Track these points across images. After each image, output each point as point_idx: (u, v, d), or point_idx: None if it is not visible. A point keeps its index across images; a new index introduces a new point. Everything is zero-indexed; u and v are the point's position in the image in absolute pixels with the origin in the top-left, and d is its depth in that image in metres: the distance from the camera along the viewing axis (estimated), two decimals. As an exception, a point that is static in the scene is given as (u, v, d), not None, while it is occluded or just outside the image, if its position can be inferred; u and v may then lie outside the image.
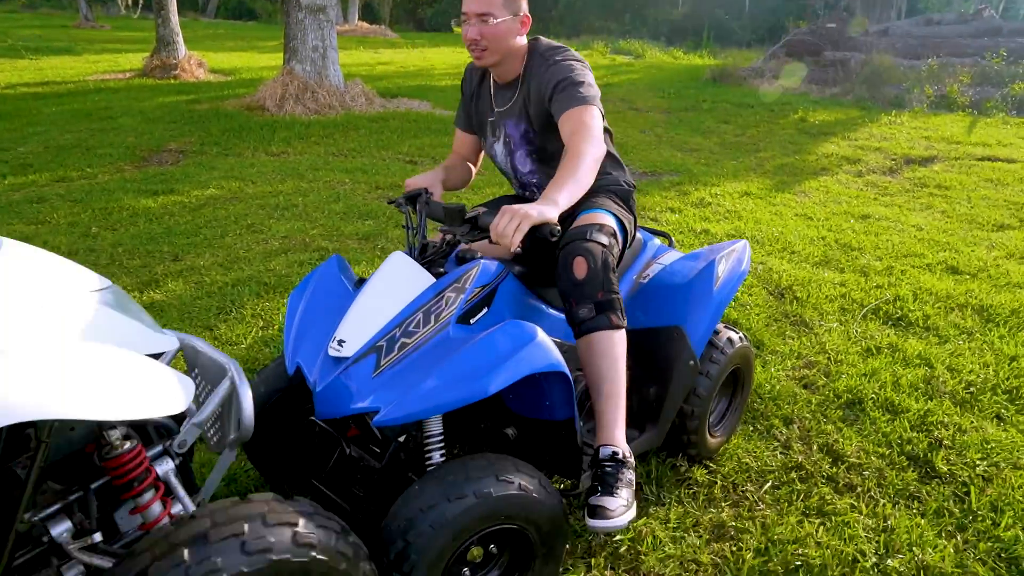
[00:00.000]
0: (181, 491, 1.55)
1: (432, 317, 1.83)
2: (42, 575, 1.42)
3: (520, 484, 1.69)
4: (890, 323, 3.79)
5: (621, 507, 1.90)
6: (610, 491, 1.92)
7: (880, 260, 4.67)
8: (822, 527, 2.28)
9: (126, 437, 1.45)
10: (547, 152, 2.32)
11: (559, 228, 1.83)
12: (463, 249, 2.01)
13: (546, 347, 1.76)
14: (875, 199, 6.30)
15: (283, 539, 1.26)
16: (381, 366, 1.76)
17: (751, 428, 2.81)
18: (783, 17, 28.17)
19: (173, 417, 1.58)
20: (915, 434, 2.78)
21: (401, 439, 1.95)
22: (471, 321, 1.87)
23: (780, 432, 2.78)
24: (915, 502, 2.43)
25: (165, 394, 1.32)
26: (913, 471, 2.58)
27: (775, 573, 2.09)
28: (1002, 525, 2.31)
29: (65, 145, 7.20)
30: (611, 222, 2.17)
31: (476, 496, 1.62)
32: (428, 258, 2.02)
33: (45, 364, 1.20)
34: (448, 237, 2.06)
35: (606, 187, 2.36)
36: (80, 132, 7.84)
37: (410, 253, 2.04)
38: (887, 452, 2.68)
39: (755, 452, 2.65)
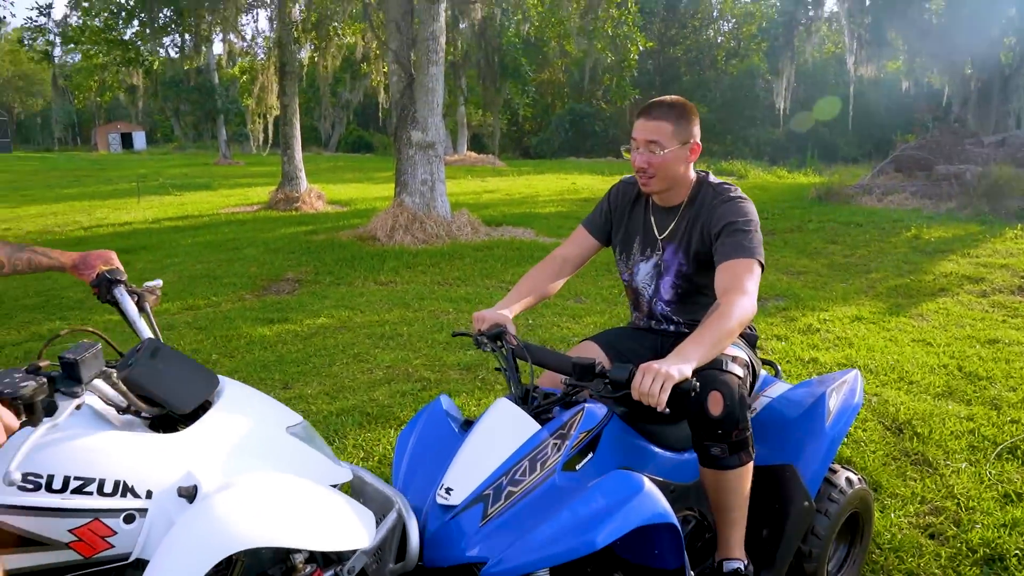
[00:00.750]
0: None
1: (538, 465, 1.83)
2: None
3: None
4: (1028, 465, 3.46)
5: None
6: None
7: (1014, 391, 4.32)
8: None
9: (307, 561, 1.59)
10: (692, 288, 2.31)
11: (698, 384, 1.79)
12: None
13: (654, 498, 1.73)
14: (1003, 321, 5.91)
15: None
16: (488, 515, 1.77)
17: (870, 585, 2.58)
18: (890, 132, 27.81)
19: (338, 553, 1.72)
20: (1066, 600, 2.48)
21: None
22: (577, 467, 1.85)
23: (904, 592, 2.54)
24: None
25: (356, 529, 1.59)
26: (1066, 646, 2.28)
27: None
28: None
29: (196, 275, 7.81)
30: (743, 355, 2.15)
31: None
32: (537, 407, 1.99)
33: (261, 498, 1.43)
34: (565, 390, 2.01)
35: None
36: (210, 262, 8.50)
37: (512, 397, 2.04)
38: (1033, 621, 2.39)
39: (876, 615, 2.42)
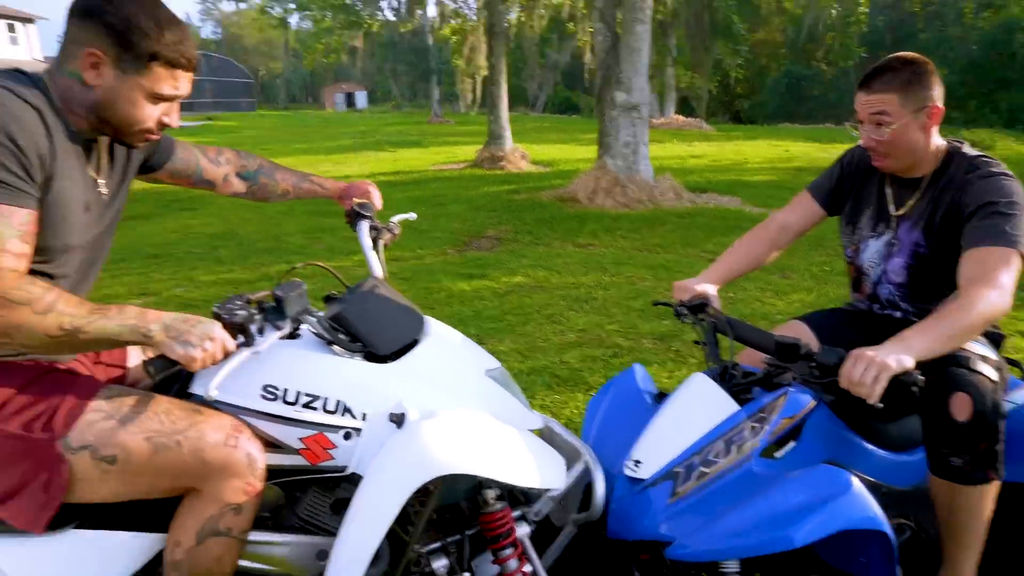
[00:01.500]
0: (534, 554, 1.75)
1: (733, 448, 1.72)
2: None
3: None
4: None
5: None
6: None
7: None
8: None
9: (498, 498, 1.66)
10: (928, 273, 2.03)
11: (923, 379, 1.55)
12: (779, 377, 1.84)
13: (863, 500, 1.56)
14: None
15: None
16: (678, 493, 1.71)
17: None
18: None
19: (526, 495, 1.79)
20: None
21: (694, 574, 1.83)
22: (776, 455, 1.72)
23: None
24: None
25: (550, 471, 1.63)
26: None
27: None
28: None
29: (404, 228, 8.21)
30: (994, 356, 1.87)
31: None
32: (735, 385, 1.86)
33: (464, 429, 1.52)
34: (768, 370, 1.85)
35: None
36: (417, 217, 8.91)
37: (710, 373, 1.91)
38: None
39: None
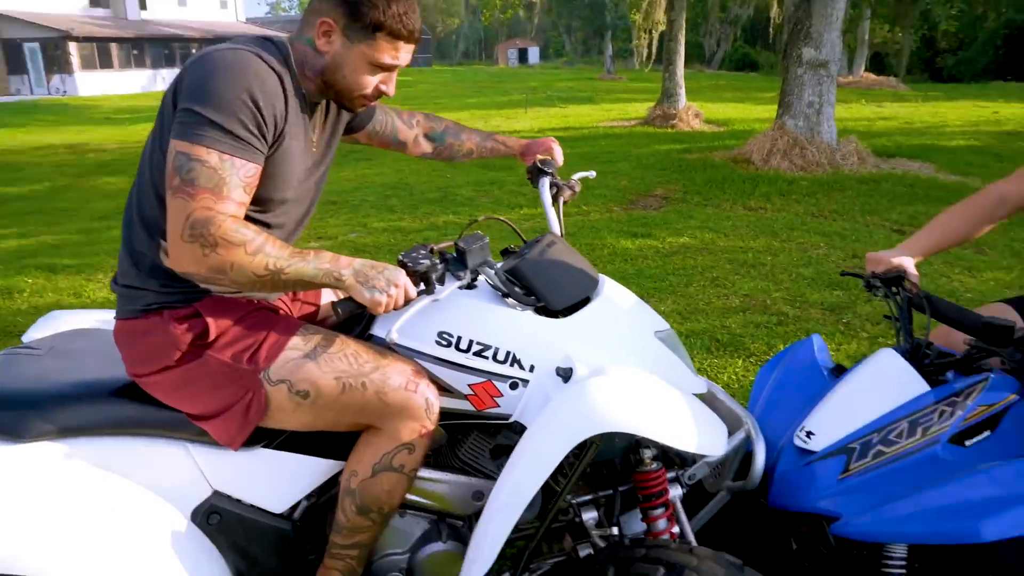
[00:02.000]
0: (683, 516, 1.76)
1: (919, 429, 1.65)
2: (562, 546, 1.85)
3: None
4: None
5: None
6: None
7: None
8: None
9: (654, 459, 1.69)
10: None
11: None
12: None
13: None
14: None
15: None
16: (851, 470, 1.66)
17: None
18: None
19: (682, 457, 1.82)
20: None
21: (856, 553, 1.79)
22: (967, 443, 1.63)
23: None
24: None
25: (710, 436, 1.59)
26: None
27: None
28: None
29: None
30: None
31: None
32: (928, 365, 1.78)
33: (629, 388, 1.52)
34: (971, 351, 1.74)
35: None
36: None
37: (900, 350, 1.84)
38: None
39: None
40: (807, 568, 1.85)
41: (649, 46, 22.31)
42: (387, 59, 1.55)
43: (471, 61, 66.28)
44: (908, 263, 1.95)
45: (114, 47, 31.85)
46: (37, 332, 1.87)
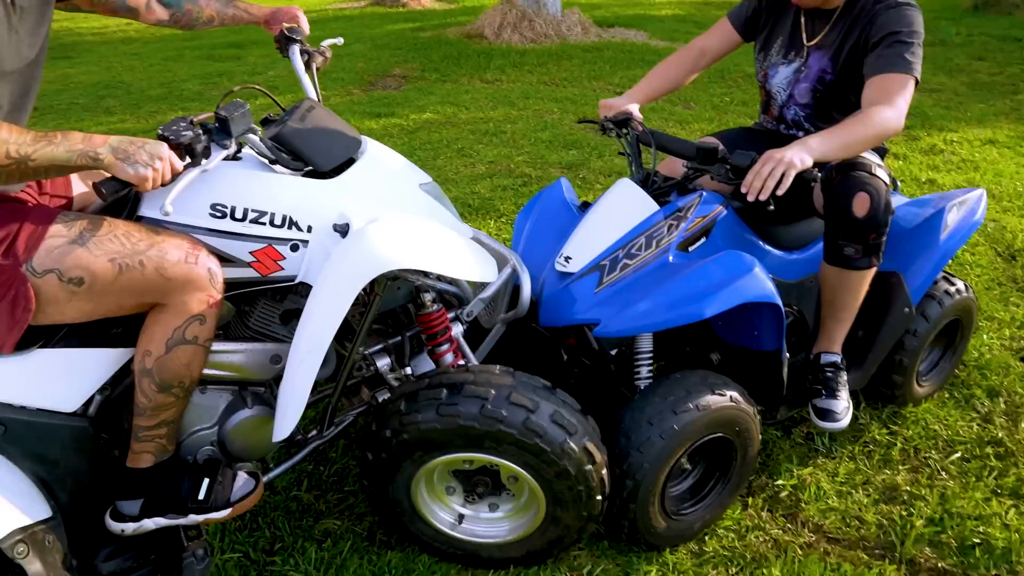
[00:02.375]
0: (467, 349, 1.94)
1: (654, 242, 1.97)
2: (362, 399, 2.02)
3: (731, 397, 1.86)
4: None
5: (844, 409, 2.16)
6: (833, 394, 2.16)
7: None
8: (1014, 509, 2.12)
9: (434, 301, 1.83)
10: (832, 97, 2.22)
11: (818, 173, 1.79)
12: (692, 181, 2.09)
13: (761, 279, 1.84)
14: None
15: (515, 417, 1.63)
16: (603, 283, 1.95)
17: (947, 395, 2.63)
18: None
19: (459, 298, 1.95)
20: None
21: (614, 352, 2.14)
22: (689, 249, 1.98)
23: (982, 403, 2.58)
24: None
25: (484, 265, 1.79)
26: None
27: (947, 546, 2.00)
28: None
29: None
30: (885, 169, 2.12)
31: (698, 409, 1.80)
32: (656, 189, 2.10)
33: (404, 231, 1.64)
34: (687, 173, 2.07)
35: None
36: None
37: (634, 179, 2.13)
38: (1111, 440, 2.40)
39: (947, 420, 2.49)
40: (576, 375, 2.14)
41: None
42: None
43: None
44: (633, 107, 2.25)
45: None
46: None
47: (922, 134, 5.68)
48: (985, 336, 2.97)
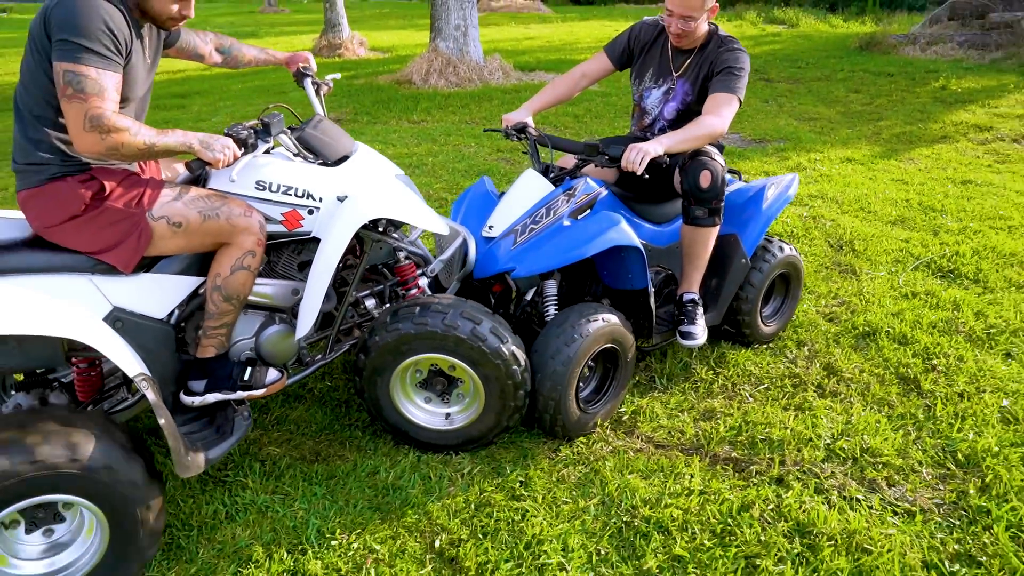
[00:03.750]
0: (431, 294, 2.75)
1: (552, 212, 2.74)
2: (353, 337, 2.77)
3: (612, 319, 2.60)
4: (939, 275, 4.10)
5: (701, 330, 2.93)
6: (692, 321, 2.94)
7: (959, 221, 4.88)
8: (794, 417, 2.81)
9: (407, 258, 2.68)
10: (689, 113, 3.00)
11: (667, 159, 2.61)
12: (583, 171, 2.88)
13: (627, 230, 2.63)
14: (988, 166, 6.32)
15: (465, 327, 2.38)
16: (517, 242, 2.72)
17: (765, 347, 3.33)
18: (961, -23, 26.03)
19: (424, 259, 2.77)
20: (914, 359, 3.20)
21: (528, 296, 2.93)
22: (579, 218, 2.74)
23: (790, 351, 3.30)
24: (886, 407, 2.89)
25: (439, 222, 2.59)
26: (898, 386, 3.03)
27: (740, 443, 2.67)
28: (955, 427, 2.74)
29: (247, 116, 8.51)
30: (722, 158, 2.95)
31: (589, 326, 2.54)
32: (554, 178, 2.87)
33: (385, 193, 2.41)
34: (577, 163, 2.86)
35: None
36: (258, 104, 9.19)
37: (536, 170, 2.90)
38: (881, 372, 3.13)
39: (760, 363, 3.20)
40: (502, 314, 2.91)
41: (307, -25, 22.05)
42: None
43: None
44: (528, 118, 3.02)
45: None
46: None
47: (792, 155, 6.56)
48: (805, 305, 3.70)
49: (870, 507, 2.36)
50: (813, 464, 2.55)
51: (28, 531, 1.94)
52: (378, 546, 2.19)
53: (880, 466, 2.55)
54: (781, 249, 3.28)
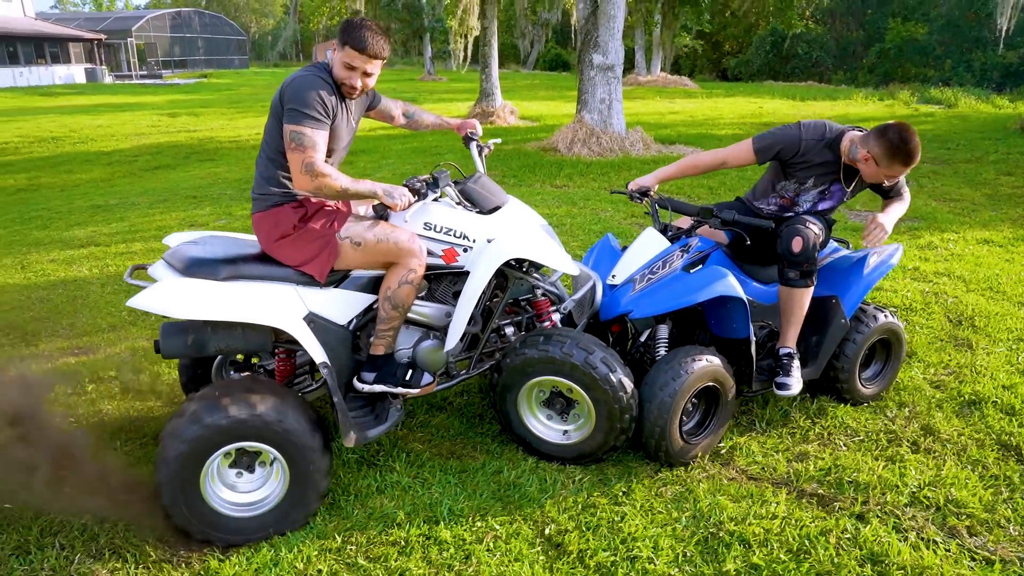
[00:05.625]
0: (560, 327, 3.17)
1: (667, 265, 3.20)
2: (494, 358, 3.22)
3: (715, 360, 2.99)
4: (1062, 355, 4.11)
5: (795, 382, 3.22)
6: (787, 373, 3.23)
7: (1096, 307, 4.81)
8: (884, 466, 3.02)
9: (543, 295, 3.17)
10: (833, 209, 3.41)
11: (773, 225, 3.11)
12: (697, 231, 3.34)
13: (732, 283, 3.02)
14: None
15: (579, 355, 2.82)
16: (636, 289, 3.18)
17: (865, 405, 3.54)
18: None
19: (559, 297, 3.25)
20: (1020, 430, 3.30)
21: (643, 337, 3.36)
22: (691, 271, 3.17)
23: (890, 410, 3.49)
24: (980, 467, 3.04)
25: (570, 264, 3.06)
26: (997, 452, 3.15)
27: (828, 482, 2.92)
28: (1047, 490, 2.86)
29: (405, 173, 9.47)
30: (820, 224, 3.25)
31: (695, 365, 2.92)
32: (670, 234, 3.33)
33: (527, 238, 2.92)
34: (693, 224, 3.32)
35: (829, 217, 3.43)
36: (416, 164, 10.17)
37: (655, 228, 3.37)
38: (981, 437, 3.26)
39: (859, 418, 3.41)
40: (619, 351, 3.37)
41: (465, 49, 23.79)
42: (352, 62, 2.69)
43: (288, 62, 65.17)
44: (652, 183, 3.46)
45: None
46: (171, 241, 2.88)
47: (924, 234, 6.60)
48: (912, 371, 3.86)
49: (947, 550, 2.55)
50: (896, 507, 2.76)
51: (238, 472, 2.56)
52: (497, 526, 2.63)
53: (964, 516, 2.72)
54: (882, 316, 3.50)
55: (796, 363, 3.26)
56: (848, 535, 2.60)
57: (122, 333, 4.48)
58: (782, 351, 3.27)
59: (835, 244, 3.62)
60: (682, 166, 3.53)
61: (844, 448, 3.18)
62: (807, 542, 2.55)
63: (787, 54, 35.26)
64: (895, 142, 2.98)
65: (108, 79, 38.49)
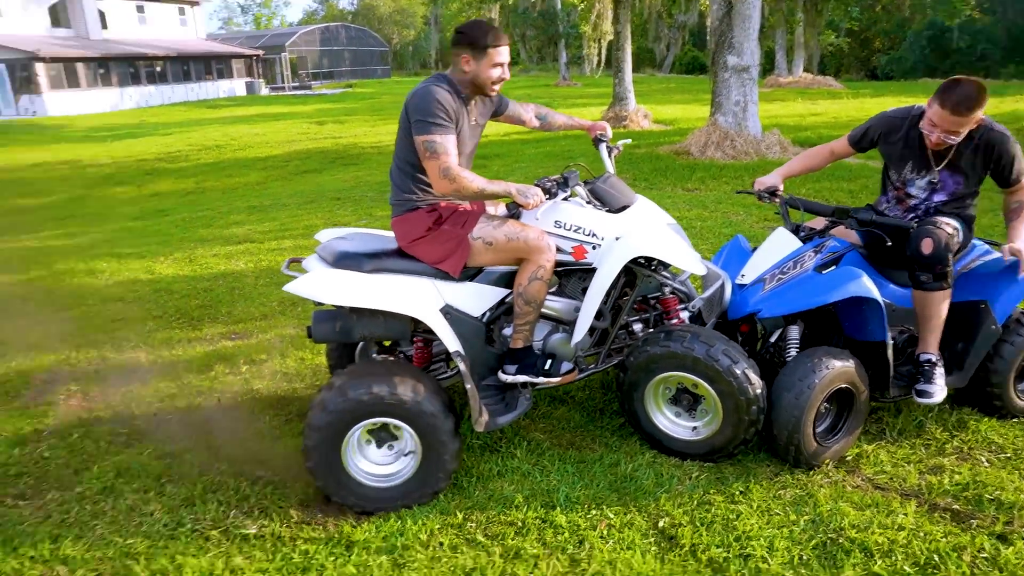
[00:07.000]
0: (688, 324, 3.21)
1: (799, 265, 3.15)
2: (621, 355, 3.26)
3: (848, 361, 2.93)
4: None
5: (938, 390, 3.07)
6: (930, 380, 3.09)
7: None
8: (1032, 485, 2.83)
9: (672, 292, 3.18)
10: (956, 200, 3.19)
11: (915, 225, 3.06)
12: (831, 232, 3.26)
13: (867, 284, 2.94)
14: None
15: (701, 349, 2.85)
16: (765, 289, 3.16)
17: (1014, 419, 3.31)
18: None
19: (687, 295, 3.28)
20: None
21: (773, 338, 3.33)
22: (824, 272, 3.12)
23: (1042, 427, 3.25)
24: None
25: (697, 264, 3.12)
26: None
27: (965, 498, 2.77)
28: None
29: (537, 176, 9.63)
30: (956, 224, 3.12)
31: (827, 367, 2.88)
32: (802, 235, 3.25)
33: (654, 236, 2.96)
34: (827, 224, 3.24)
35: (964, 213, 3.24)
36: (548, 168, 10.34)
37: (786, 228, 3.32)
38: None
39: (1005, 433, 3.21)
40: (747, 350, 3.33)
41: (599, 54, 23.85)
42: (499, 59, 2.86)
43: (428, 70, 67.49)
44: (778, 182, 3.42)
45: (80, 67, 32.24)
46: (322, 236, 3.15)
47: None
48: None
49: (1099, 576, 2.37)
50: (1041, 527, 2.59)
51: (376, 445, 2.78)
52: (612, 515, 2.69)
53: (1120, 542, 2.52)
54: None
55: (940, 370, 3.11)
56: (986, 554, 2.47)
57: (272, 321, 4.88)
58: (923, 357, 3.13)
59: (985, 246, 3.38)
60: (802, 161, 3.51)
61: (986, 464, 3.00)
62: (936, 557, 2.45)
63: (947, 48, 32.87)
64: (941, 85, 2.92)
65: (264, 91, 41.42)
